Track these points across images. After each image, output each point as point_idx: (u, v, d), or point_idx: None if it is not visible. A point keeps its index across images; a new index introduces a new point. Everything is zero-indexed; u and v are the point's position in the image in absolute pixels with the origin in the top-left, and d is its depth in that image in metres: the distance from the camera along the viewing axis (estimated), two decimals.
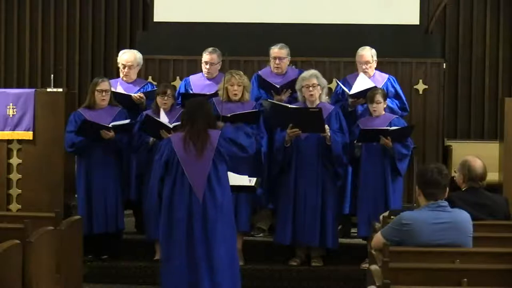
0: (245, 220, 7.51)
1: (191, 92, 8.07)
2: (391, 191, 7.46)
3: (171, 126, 7.30)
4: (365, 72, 8.01)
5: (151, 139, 7.48)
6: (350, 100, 7.87)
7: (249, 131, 6.20)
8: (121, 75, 8.15)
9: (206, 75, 8.13)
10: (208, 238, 5.98)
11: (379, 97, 7.56)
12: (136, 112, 7.89)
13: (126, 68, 8.11)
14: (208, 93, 7.75)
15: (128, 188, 7.90)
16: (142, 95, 7.98)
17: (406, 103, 8.16)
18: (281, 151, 7.42)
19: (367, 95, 7.65)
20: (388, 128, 7.44)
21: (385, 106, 7.65)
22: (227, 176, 6.15)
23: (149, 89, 8.13)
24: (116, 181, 7.66)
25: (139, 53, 8.30)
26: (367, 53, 8.02)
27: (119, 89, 8.04)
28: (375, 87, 7.74)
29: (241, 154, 6.23)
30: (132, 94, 7.96)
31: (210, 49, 8.10)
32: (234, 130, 6.29)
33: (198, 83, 8.17)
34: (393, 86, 8.15)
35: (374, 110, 7.58)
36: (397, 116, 7.78)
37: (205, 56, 8.10)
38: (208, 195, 6.00)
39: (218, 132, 6.13)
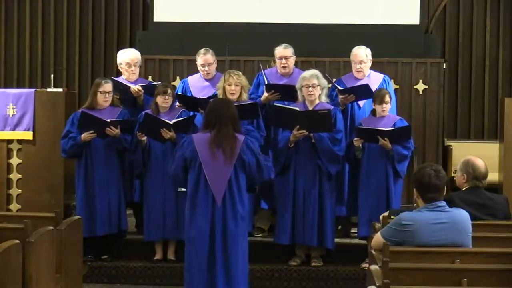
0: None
1: (189, 93, 8.06)
2: (393, 192, 7.43)
3: (171, 123, 7.30)
4: (358, 72, 7.99)
5: (145, 138, 7.45)
6: (340, 97, 7.83)
7: (268, 160, 6.24)
8: (125, 74, 8.08)
9: (205, 76, 8.12)
10: (227, 248, 5.91)
11: (388, 98, 7.49)
12: (134, 106, 7.88)
13: (132, 66, 8.05)
14: (203, 98, 7.71)
15: (131, 189, 7.89)
16: (140, 88, 7.94)
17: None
18: (285, 152, 7.41)
19: (374, 95, 7.57)
20: (383, 128, 7.36)
21: (390, 106, 7.61)
22: (245, 185, 6.00)
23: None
24: (119, 181, 7.63)
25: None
26: (361, 53, 7.97)
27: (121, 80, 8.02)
28: (382, 88, 7.71)
29: (255, 173, 5.98)
30: (131, 86, 7.94)
31: (202, 50, 8.08)
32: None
33: (197, 84, 8.16)
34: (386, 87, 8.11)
35: (383, 110, 7.50)
36: (401, 117, 7.74)
37: (200, 59, 8.08)
38: (229, 204, 5.90)
39: (243, 138, 5.99)
